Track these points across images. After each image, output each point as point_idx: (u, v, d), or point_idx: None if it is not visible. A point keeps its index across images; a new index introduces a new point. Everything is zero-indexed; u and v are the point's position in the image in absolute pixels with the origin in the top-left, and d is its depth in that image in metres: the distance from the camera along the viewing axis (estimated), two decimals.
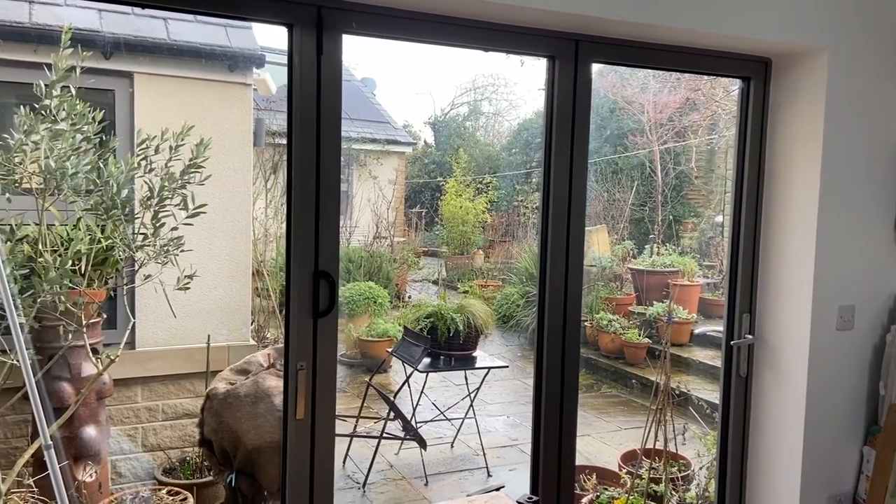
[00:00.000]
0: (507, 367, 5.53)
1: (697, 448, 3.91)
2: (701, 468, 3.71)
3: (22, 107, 2.64)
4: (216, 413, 3.20)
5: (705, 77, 6.99)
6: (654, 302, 6.96)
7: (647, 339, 6.70)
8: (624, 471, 3.87)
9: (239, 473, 3.18)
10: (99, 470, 3.51)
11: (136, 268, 3.20)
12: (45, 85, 2.60)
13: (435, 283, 10.44)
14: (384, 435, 4.52)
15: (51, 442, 1.83)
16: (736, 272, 2.95)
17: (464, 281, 9.85)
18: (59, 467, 3.27)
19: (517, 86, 16.71)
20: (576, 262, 2.60)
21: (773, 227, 2.90)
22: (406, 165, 13.52)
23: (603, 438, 5.25)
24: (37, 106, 2.65)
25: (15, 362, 2.61)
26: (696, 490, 3.67)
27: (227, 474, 3.19)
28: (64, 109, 2.67)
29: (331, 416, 2.28)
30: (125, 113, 3.92)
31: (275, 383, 3.25)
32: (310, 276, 2.21)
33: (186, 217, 2.93)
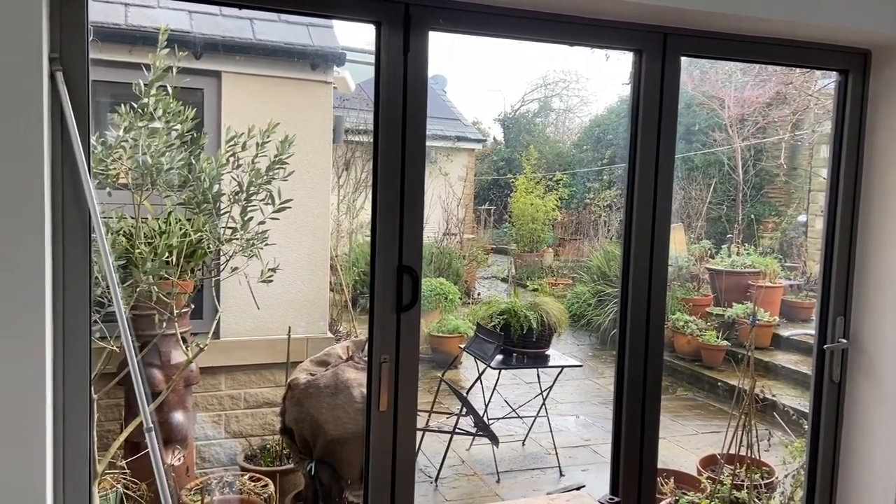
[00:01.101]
0: (580, 366, 5.47)
1: (782, 455, 3.77)
2: (786, 476, 3.58)
3: (122, 105, 2.77)
4: (297, 403, 3.28)
5: (797, 70, 6.72)
6: (734, 303, 6.74)
7: (725, 342, 6.51)
8: (704, 475, 3.77)
9: (318, 462, 3.26)
10: (186, 454, 3.66)
11: (224, 260, 3.30)
12: (145, 84, 2.73)
13: (504, 280, 10.41)
14: (456, 430, 4.55)
15: (151, 425, 1.91)
16: (829, 273, 2.82)
17: (533, 279, 9.79)
18: (146, 452, 3.43)
19: (589, 81, 16.47)
20: (660, 261, 2.55)
21: (870, 225, 2.76)
22: (475, 162, 13.53)
23: (679, 442, 5.13)
24: (135, 105, 2.78)
25: (116, 349, 2.75)
26: (781, 498, 3.54)
27: (307, 463, 3.27)
28: (160, 107, 2.79)
29: (412, 408, 2.31)
30: (213, 110, 4.06)
31: (354, 375, 3.32)
32: (394, 271, 2.24)
33: (273, 212, 3.01)
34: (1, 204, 1.69)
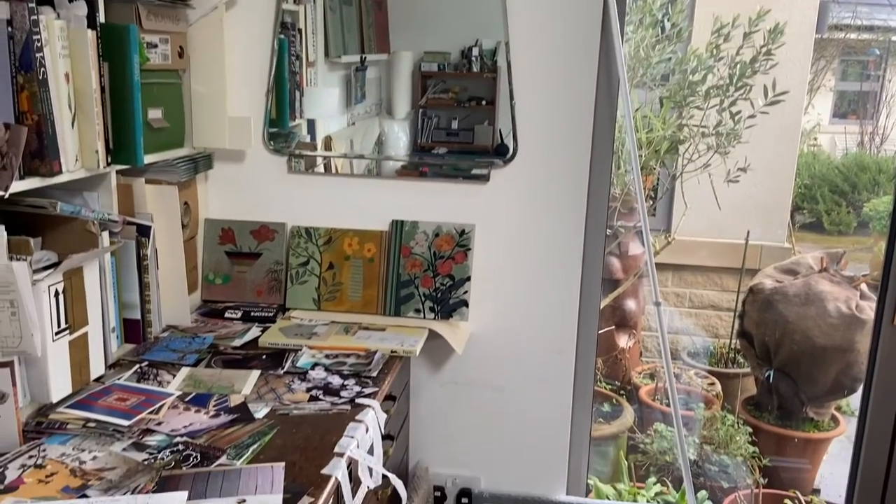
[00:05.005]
0: None
1: None
2: None
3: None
4: (760, 308, 3.18)
5: None
6: None
7: None
8: None
9: (777, 371, 3.15)
10: (636, 340, 3.89)
11: (696, 156, 3.28)
12: None
13: None
14: None
15: (660, 300, 2.04)
16: None
17: None
18: (604, 332, 3.72)
19: None
20: None
21: None
22: None
23: None
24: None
25: None
26: None
27: (766, 370, 3.18)
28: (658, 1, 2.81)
29: None
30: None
31: (829, 288, 3.06)
32: None
33: (765, 105, 2.86)
34: (569, 85, 1.93)
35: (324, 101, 2.19)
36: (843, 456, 3.17)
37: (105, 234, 1.49)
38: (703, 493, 2.49)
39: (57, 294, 1.34)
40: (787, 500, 2.67)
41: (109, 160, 1.51)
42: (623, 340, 3.81)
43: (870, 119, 7.96)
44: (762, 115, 2.94)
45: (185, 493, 1.08)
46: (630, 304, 3.89)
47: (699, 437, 3.07)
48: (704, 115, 3.14)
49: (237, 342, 1.78)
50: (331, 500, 1.27)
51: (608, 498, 2.44)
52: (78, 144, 1.43)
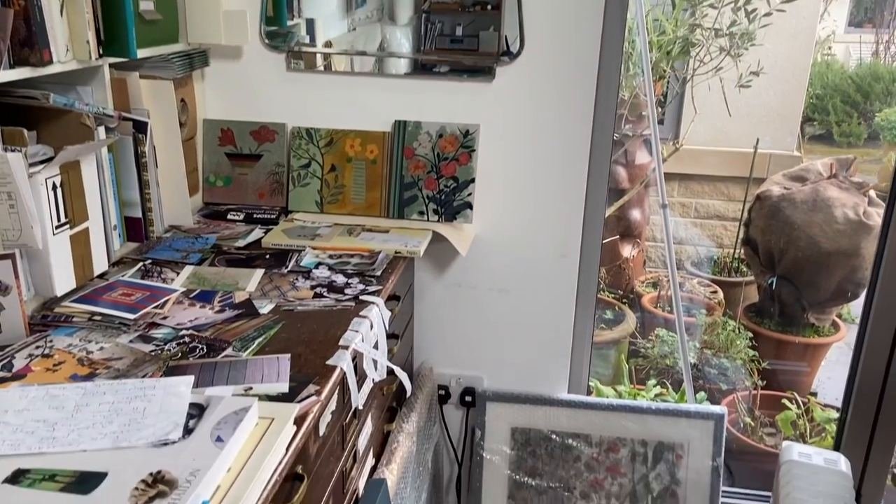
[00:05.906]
0: None
1: None
2: None
3: None
4: (767, 215, 3.16)
5: None
6: None
7: None
8: None
9: (780, 278, 3.16)
10: (640, 249, 3.89)
11: (707, 59, 3.17)
12: None
13: None
14: None
15: (666, 202, 2.01)
16: None
17: None
18: (608, 241, 3.72)
19: None
20: None
21: None
22: None
23: None
24: None
25: None
26: None
27: (769, 277, 3.19)
28: None
29: None
30: None
31: (836, 194, 3.03)
32: None
33: (781, 3, 2.74)
34: None
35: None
36: (841, 361, 3.22)
37: (101, 130, 1.45)
38: (701, 395, 2.54)
39: (55, 187, 1.32)
40: (784, 401, 2.73)
41: (101, 52, 1.45)
42: (627, 250, 3.81)
43: (886, 27, 7.69)
44: (778, 13, 2.82)
45: (191, 378, 1.10)
46: (635, 214, 3.86)
47: (700, 341, 3.11)
48: (719, 14, 3.02)
49: (240, 243, 1.77)
50: (336, 391, 1.29)
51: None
52: (68, 33, 1.37)
